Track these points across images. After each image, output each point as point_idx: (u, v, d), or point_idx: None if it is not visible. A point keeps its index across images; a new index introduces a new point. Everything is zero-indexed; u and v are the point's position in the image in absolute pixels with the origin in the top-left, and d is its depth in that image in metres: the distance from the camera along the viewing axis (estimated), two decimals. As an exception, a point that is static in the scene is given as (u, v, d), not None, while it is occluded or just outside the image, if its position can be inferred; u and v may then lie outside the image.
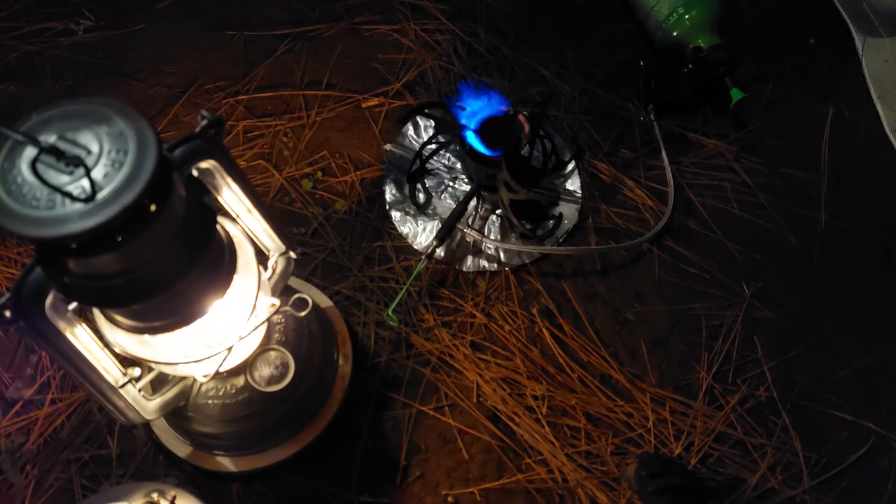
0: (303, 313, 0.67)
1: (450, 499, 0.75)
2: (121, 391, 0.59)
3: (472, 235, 0.86)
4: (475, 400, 0.79)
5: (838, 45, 1.04)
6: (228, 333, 0.60)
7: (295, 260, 0.67)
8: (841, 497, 0.76)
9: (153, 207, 0.43)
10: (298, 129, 0.96)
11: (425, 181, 0.90)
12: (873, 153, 0.96)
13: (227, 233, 0.57)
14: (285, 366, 0.68)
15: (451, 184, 0.90)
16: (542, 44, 1.03)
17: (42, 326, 0.50)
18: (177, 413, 0.69)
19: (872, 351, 0.83)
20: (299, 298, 0.67)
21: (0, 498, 0.74)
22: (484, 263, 0.86)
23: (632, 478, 0.73)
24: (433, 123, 0.92)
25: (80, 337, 0.54)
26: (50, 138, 0.41)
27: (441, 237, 0.85)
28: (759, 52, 1.02)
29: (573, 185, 0.92)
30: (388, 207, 0.90)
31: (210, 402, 0.68)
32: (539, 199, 0.87)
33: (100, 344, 0.56)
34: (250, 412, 0.69)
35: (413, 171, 0.90)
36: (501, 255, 0.87)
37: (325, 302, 0.82)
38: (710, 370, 0.81)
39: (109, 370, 0.58)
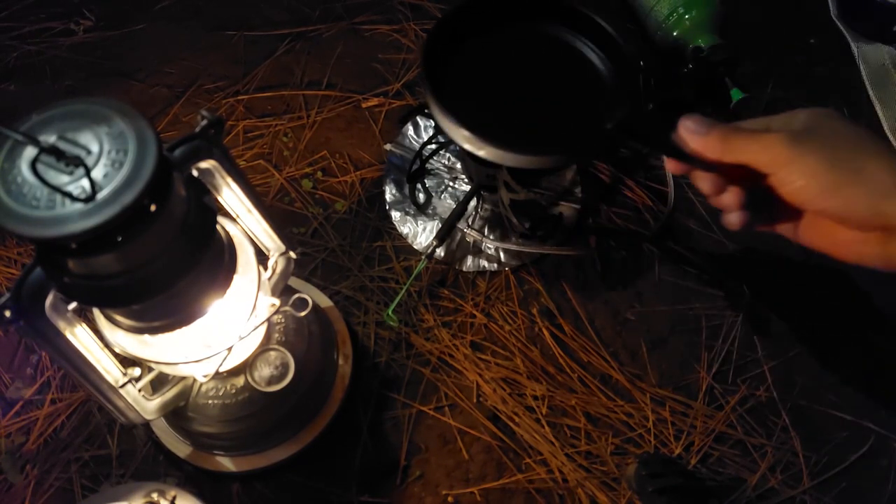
0: (303, 313, 0.67)
1: (450, 499, 0.75)
2: (121, 391, 0.59)
3: (472, 235, 0.86)
4: (475, 400, 0.79)
5: (838, 45, 1.04)
6: (228, 333, 0.60)
7: (295, 260, 0.67)
8: (841, 497, 0.76)
9: (153, 207, 0.43)
10: (298, 129, 0.96)
11: (425, 181, 0.90)
12: (873, 153, 0.96)
13: (227, 233, 0.57)
14: (285, 366, 0.69)
15: (451, 184, 0.90)
16: (542, 44, 1.03)
17: (42, 326, 0.50)
18: (177, 413, 0.69)
19: (872, 351, 0.83)
20: (299, 298, 0.67)
21: (0, 498, 0.74)
22: (484, 263, 0.86)
23: (632, 478, 0.73)
24: (433, 123, 0.92)
25: (80, 337, 0.54)
26: (50, 138, 0.41)
27: (441, 237, 0.85)
28: (759, 52, 1.03)
29: (573, 185, 0.92)
30: (388, 207, 0.90)
31: (210, 402, 0.69)
32: (539, 199, 0.87)
33: (100, 344, 0.56)
34: (250, 412, 0.69)
35: (413, 171, 0.90)
36: (501, 255, 0.87)
37: (325, 302, 0.82)
38: (710, 370, 0.81)
39: (109, 370, 0.58)
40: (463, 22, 0.77)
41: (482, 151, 0.70)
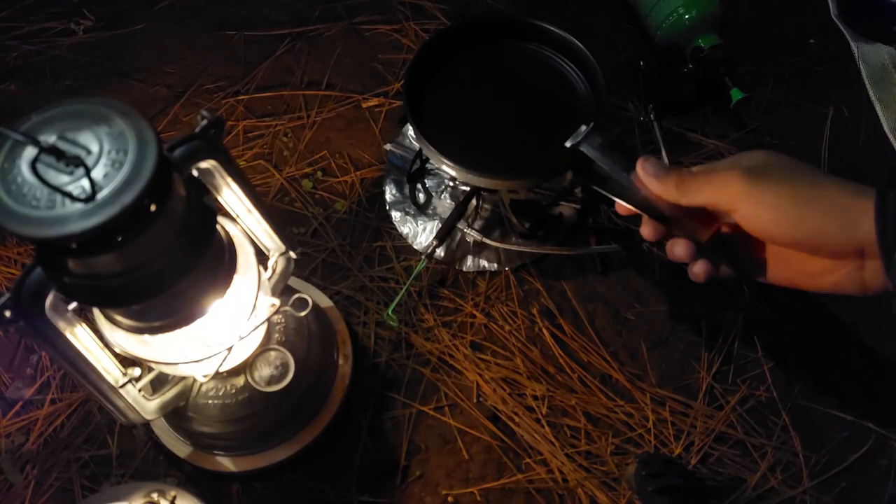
0: (303, 313, 0.67)
1: (450, 499, 0.75)
2: (121, 391, 0.59)
3: (472, 235, 0.86)
4: (475, 400, 0.79)
5: (838, 45, 1.04)
6: (228, 333, 0.60)
7: (295, 260, 0.67)
8: (841, 497, 0.76)
9: (153, 207, 0.43)
10: (298, 129, 0.96)
11: (425, 181, 0.90)
12: (873, 153, 0.96)
13: (227, 233, 0.57)
14: (285, 366, 0.69)
15: (451, 184, 0.90)
16: (542, 44, 1.03)
17: (42, 326, 0.50)
18: (177, 413, 0.69)
19: (872, 351, 0.83)
20: (299, 298, 0.67)
21: (0, 498, 0.74)
22: (484, 263, 0.86)
23: (632, 478, 0.73)
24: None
25: (80, 337, 0.54)
26: (50, 138, 0.41)
27: (441, 237, 0.85)
28: (759, 52, 1.03)
29: (573, 185, 0.91)
30: (388, 207, 0.90)
31: (210, 402, 0.69)
32: (539, 199, 0.87)
33: (100, 344, 0.56)
34: (250, 412, 0.69)
35: (413, 171, 0.90)
36: (501, 255, 0.87)
37: (325, 302, 0.82)
38: (710, 370, 0.81)
39: (109, 370, 0.58)
40: (446, 43, 0.81)
41: (456, 174, 0.75)
